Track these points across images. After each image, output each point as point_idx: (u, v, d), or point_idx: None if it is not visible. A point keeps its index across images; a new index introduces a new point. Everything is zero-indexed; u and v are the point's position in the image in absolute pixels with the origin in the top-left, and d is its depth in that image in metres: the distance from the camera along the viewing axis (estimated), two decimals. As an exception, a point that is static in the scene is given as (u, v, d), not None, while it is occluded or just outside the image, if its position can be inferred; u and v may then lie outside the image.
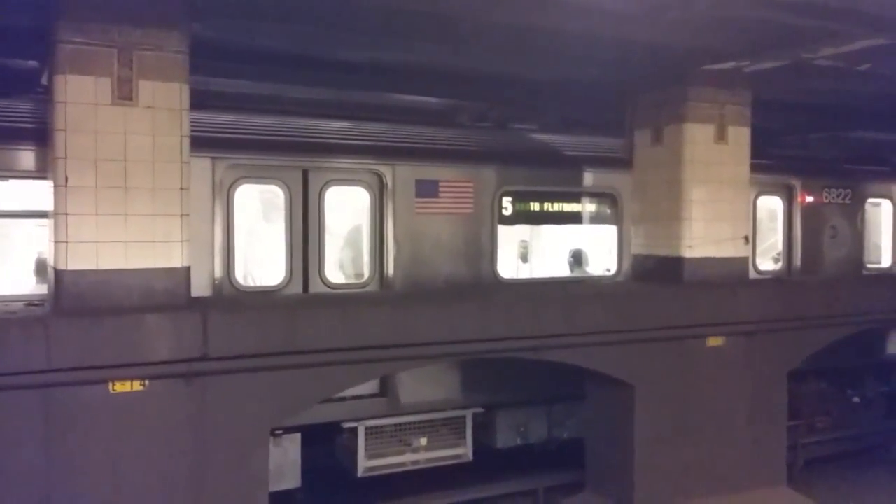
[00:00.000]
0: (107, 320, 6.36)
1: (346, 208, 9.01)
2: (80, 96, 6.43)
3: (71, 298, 6.44)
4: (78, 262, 6.45)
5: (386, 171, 8.87)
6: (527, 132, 11.04)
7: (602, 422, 9.28)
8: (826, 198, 11.88)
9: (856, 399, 12.21)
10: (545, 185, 10.01)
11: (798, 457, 11.02)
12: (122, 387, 6.37)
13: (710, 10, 7.48)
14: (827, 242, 11.92)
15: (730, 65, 8.98)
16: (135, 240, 6.63)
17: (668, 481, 8.93)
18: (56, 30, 6.42)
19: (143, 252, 6.65)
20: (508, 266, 10.47)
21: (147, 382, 6.45)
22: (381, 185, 8.89)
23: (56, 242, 6.49)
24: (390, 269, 8.86)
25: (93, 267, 6.49)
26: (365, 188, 8.89)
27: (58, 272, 6.48)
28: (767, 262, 11.73)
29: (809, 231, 11.73)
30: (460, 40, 8.31)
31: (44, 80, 7.76)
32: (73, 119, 6.43)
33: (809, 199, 11.71)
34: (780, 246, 11.74)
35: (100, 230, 6.51)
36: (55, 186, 6.49)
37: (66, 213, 6.43)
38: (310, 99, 9.87)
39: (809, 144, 13.36)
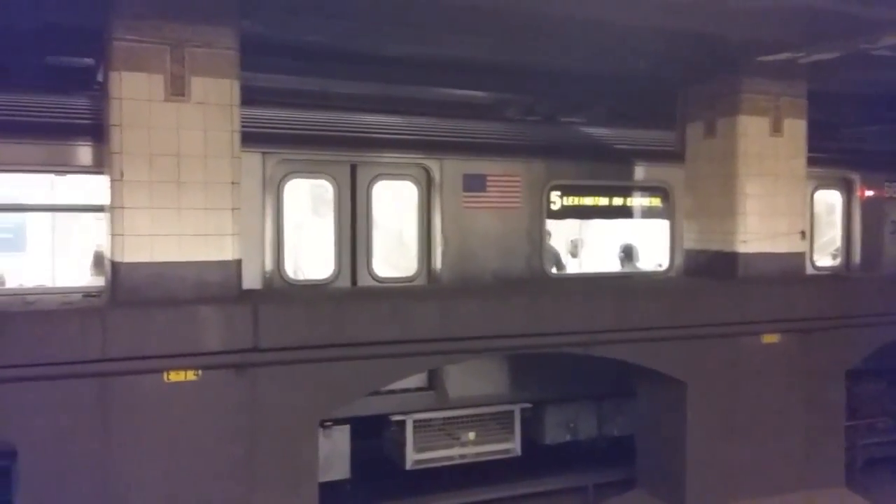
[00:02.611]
0: (161, 311, 6.49)
1: (394, 203, 9.05)
2: (134, 93, 6.58)
3: (127, 290, 6.59)
4: (133, 254, 6.60)
5: (433, 165, 8.88)
6: (576, 125, 10.94)
7: (653, 419, 9.14)
8: (887, 192, 11.54)
9: (918, 399, 11.82)
10: (594, 179, 9.91)
11: (857, 458, 10.71)
12: (176, 376, 6.49)
13: (766, 1, 7.33)
14: (888, 238, 11.57)
15: (785, 56, 8.75)
16: (188, 233, 6.75)
17: (720, 480, 8.76)
18: (110, 28, 6.57)
19: (196, 245, 6.78)
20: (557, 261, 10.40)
21: (200, 372, 6.57)
22: (429, 180, 8.91)
23: (113, 235, 6.66)
24: (438, 264, 8.88)
25: (148, 259, 6.63)
26: (413, 182, 8.91)
27: (114, 264, 6.64)
28: (825, 257, 11.44)
29: (869, 226, 11.42)
30: (508, 34, 8.26)
31: (99, 77, 7.95)
32: (127, 115, 6.57)
33: (869, 193, 11.40)
34: (838, 241, 11.44)
35: (154, 223, 6.65)
36: (111, 181, 6.65)
37: (122, 207, 6.58)
38: (358, 94, 9.93)
39: (869, 137, 12.96)
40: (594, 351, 8.14)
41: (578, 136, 10.56)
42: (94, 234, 8.35)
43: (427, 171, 8.90)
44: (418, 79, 9.80)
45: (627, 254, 10.74)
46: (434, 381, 8.80)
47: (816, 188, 10.99)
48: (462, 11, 7.47)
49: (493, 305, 7.80)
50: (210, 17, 6.77)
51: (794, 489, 9.14)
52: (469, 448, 9.00)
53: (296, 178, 8.47)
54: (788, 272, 9.35)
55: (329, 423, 8.16)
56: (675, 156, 10.09)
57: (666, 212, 10.27)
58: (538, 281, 9.31)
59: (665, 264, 10.32)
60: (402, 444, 8.71)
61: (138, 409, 6.40)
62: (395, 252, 9.20)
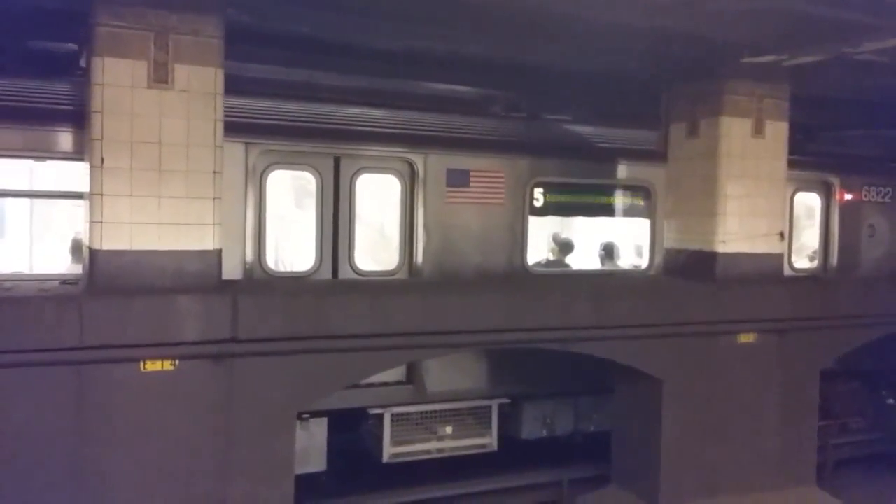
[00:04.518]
0: (139, 300, 6.46)
1: (377, 196, 9.03)
2: (116, 79, 6.53)
3: (105, 278, 6.55)
4: (112, 242, 6.55)
5: (417, 159, 8.88)
6: (560, 123, 10.96)
7: (629, 416, 9.22)
8: (865, 196, 11.67)
9: (891, 401, 11.99)
10: (578, 177, 9.94)
11: (828, 457, 10.86)
12: (152, 366, 6.47)
13: (751, 3, 7.37)
14: (865, 241, 11.71)
15: (769, 58, 8.81)
16: (168, 221, 6.71)
17: (694, 478, 8.86)
18: (94, 13, 6.51)
19: (176, 234, 6.74)
20: (539, 257, 10.42)
21: (177, 362, 6.54)
22: (413, 174, 8.90)
23: (91, 222, 6.60)
24: (419, 258, 8.88)
25: (127, 247, 6.59)
26: (396, 176, 8.90)
27: (92, 252, 6.59)
28: (803, 259, 11.55)
29: (847, 229, 11.53)
30: (494, 29, 8.26)
31: (82, 63, 7.87)
32: (109, 101, 6.52)
33: (848, 196, 11.51)
34: (816, 244, 11.55)
35: (134, 211, 6.61)
36: (91, 167, 6.60)
37: (102, 194, 6.53)
38: (343, 86, 9.88)
39: (849, 141, 13.08)
40: (572, 347, 8.20)
41: (563, 133, 10.58)
42: (72, 220, 8.26)
43: (411, 165, 8.89)
44: (404, 72, 9.76)
45: (608, 252, 10.79)
46: (412, 375, 8.81)
47: (796, 190, 11.08)
48: (450, 7, 7.46)
49: (473, 300, 7.82)
50: (195, 4, 6.72)
51: (767, 487, 9.25)
52: (446, 442, 9.03)
53: (279, 169, 8.43)
54: (766, 273, 9.44)
55: (307, 416, 8.15)
56: (657, 155, 10.14)
57: (647, 211, 10.32)
58: (519, 277, 9.34)
59: (645, 263, 10.38)
60: (380, 438, 8.72)
61: (114, 398, 6.37)
62: (377, 245, 9.19)
